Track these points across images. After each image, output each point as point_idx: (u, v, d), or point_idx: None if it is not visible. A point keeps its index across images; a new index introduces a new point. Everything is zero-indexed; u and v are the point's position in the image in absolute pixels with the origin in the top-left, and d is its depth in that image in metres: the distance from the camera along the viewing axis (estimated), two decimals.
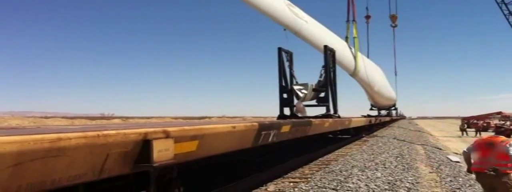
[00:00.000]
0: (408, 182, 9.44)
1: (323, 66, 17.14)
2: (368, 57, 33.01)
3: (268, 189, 8.54)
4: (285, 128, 8.21)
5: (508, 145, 6.31)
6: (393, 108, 50.20)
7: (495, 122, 57.87)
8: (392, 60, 54.83)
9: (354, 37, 28.02)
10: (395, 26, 47.99)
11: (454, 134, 45.26)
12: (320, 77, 17.07)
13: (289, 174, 10.36)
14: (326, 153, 15.34)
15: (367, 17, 40.04)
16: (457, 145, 29.14)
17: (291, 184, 9.02)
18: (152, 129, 3.83)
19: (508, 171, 6.24)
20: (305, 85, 16.73)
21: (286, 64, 16.94)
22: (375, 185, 8.88)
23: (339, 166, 11.66)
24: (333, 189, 8.38)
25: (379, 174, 10.30)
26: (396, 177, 10.01)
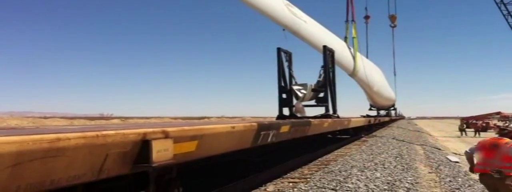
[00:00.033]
0: (408, 182, 9.44)
1: (322, 66, 17.15)
2: (367, 57, 33.06)
3: (268, 189, 8.53)
4: (284, 128, 8.22)
5: None
6: (392, 108, 50.25)
7: (494, 122, 58.00)
8: (391, 60, 54.97)
9: (353, 37, 28.05)
10: (394, 26, 48.06)
11: (453, 134, 45.28)
12: (319, 77, 17.08)
13: (288, 174, 10.36)
14: (325, 153, 15.34)
15: (366, 17, 40.09)
16: (456, 145, 29.15)
17: (291, 184, 9.02)
18: (151, 129, 3.83)
19: None
20: (304, 85, 16.73)
21: (285, 64, 16.94)
22: (375, 185, 8.89)
23: (338, 166, 11.66)
24: (332, 189, 8.38)
25: (378, 174, 10.31)
26: (396, 177, 10.02)
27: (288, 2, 17.48)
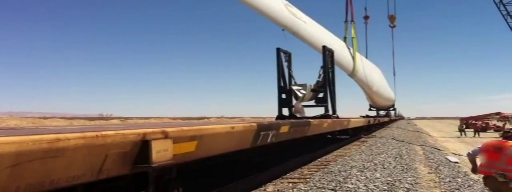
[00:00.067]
0: (407, 183, 9.44)
1: (322, 67, 17.17)
2: (366, 57, 33.08)
3: (267, 190, 8.53)
4: (284, 129, 8.21)
5: None
6: (391, 108, 50.27)
7: (493, 122, 58.00)
8: (390, 60, 54.87)
9: (353, 38, 28.09)
10: (394, 26, 48.07)
11: (453, 134, 45.30)
12: (319, 77, 17.09)
13: (288, 174, 10.36)
14: (325, 154, 15.33)
15: (366, 17, 40.10)
16: (455, 145, 29.17)
17: (290, 184, 9.01)
18: (150, 130, 3.82)
19: None
20: (303, 86, 16.75)
21: (285, 64, 16.96)
22: (374, 185, 8.88)
23: (338, 166, 11.65)
24: (332, 189, 8.38)
25: (378, 175, 10.30)
26: (395, 178, 10.01)
27: (287, 2, 17.50)
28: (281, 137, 8.07)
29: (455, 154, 21.21)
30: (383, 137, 27.04)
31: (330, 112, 16.88)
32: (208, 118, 47.34)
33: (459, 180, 10.34)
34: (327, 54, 17.40)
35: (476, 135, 41.32)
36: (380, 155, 15.30)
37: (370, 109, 44.49)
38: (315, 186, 8.66)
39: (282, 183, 9.22)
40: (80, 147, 3.03)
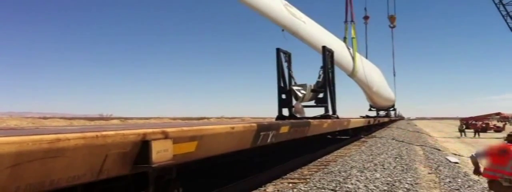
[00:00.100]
0: (407, 183, 9.44)
1: (322, 67, 17.17)
2: (366, 57, 33.09)
3: (267, 190, 8.53)
4: (284, 129, 8.21)
5: None
6: (391, 109, 50.28)
7: (494, 123, 58.01)
8: (390, 61, 54.87)
9: (353, 38, 28.08)
10: (394, 26, 48.13)
11: (453, 135, 45.30)
12: (319, 77, 17.10)
13: (288, 175, 10.36)
14: (325, 154, 15.33)
15: (366, 17, 40.14)
16: (455, 146, 29.17)
17: (290, 185, 9.01)
18: (150, 130, 3.83)
19: None
20: (303, 86, 16.76)
21: (285, 64, 16.98)
22: (374, 186, 8.88)
23: (338, 167, 11.66)
24: (332, 190, 8.38)
25: (378, 175, 10.30)
26: (395, 178, 10.02)
27: (286, 2, 17.50)
28: (281, 137, 8.07)
29: (455, 154, 21.22)
30: (383, 137, 27.04)
31: (330, 113, 16.88)
32: (208, 118, 47.35)
33: (459, 180, 10.34)
34: (327, 54, 17.41)
35: (476, 135, 41.30)
36: (380, 155, 15.31)
37: (370, 110, 44.54)
38: (315, 186, 8.66)
39: (282, 183, 9.22)
40: (80, 147, 3.03)
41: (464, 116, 69.57)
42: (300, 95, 16.51)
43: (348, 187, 8.57)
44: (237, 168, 10.51)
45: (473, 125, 49.82)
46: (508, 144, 6.49)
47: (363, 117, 37.98)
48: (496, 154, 6.39)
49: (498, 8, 35.41)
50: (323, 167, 11.85)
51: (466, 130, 44.52)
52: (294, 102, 16.87)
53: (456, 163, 15.10)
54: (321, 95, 16.98)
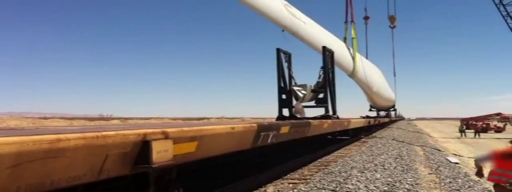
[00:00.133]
0: (408, 184, 9.44)
1: (322, 67, 17.17)
2: (367, 58, 33.09)
3: (267, 190, 8.53)
4: (284, 129, 8.21)
5: None
6: (392, 109, 50.25)
7: (494, 123, 57.98)
8: (391, 61, 54.91)
9: (353, 38, 28.08)
10: (394, 27, 48.13)
11: (453, 135, 45.27)
12: (319, 78, 17.10)
13: (288, 175, 10.36)
14: (325, 154, 15.33)
15: (366, 18, 40.16)
16: (456, 146, 29.17)
17: (290, 185, 9.01)
18: (151, 130, 3.83)
19: None
20: (304, 86, 16.76)
21: (285, 65, 16.98)
22: (375, 186, 8.88)
23: (338, 167, 11.65)
24: (332, 190, 8.37)
25: (378, 175, 10.31)
26: (396, 178, 10.01)
27: (286, 2, 17.50)
28: (281, 137, 8.07)
29: (456, 155, 21.21)
30: (384, 137, 27.04)
31: (330, 113, 16.88)
32: (208, 118, 47.36)
33: (460, 180, 10.34)
34: (327, 54, 17.41)
35: (476, 136, 41.28)
36: (381, 155, 15.30)
37: (370, 110, 44.54)
38: (315, 186, 8.66)
39: (282, 183, 9.22)
40: (81, 147, 3.03)
41: (464, 116, 69.56)
42: (301, 95, 16.52)
43: (348, 188, 8.57)
44: (237, 168, 10.50)
45: (473, 125, 49.77)
46: None
47: (364, 117, 37.97)
48: (501, 158, 6.32)
49: (498, 9, 35.43)
50: (324, 167, 11.85)
51: (466, 131, 44.48)
52: (294, 102, 16.87)
53: (457, 163, 15.10)
54: (321, 96, 16.98)
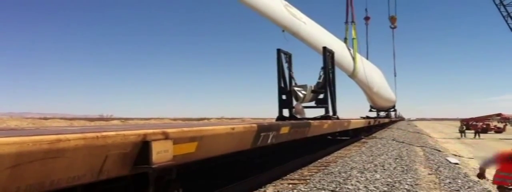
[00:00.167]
0: (407, 184, 9.44)
1: (322, 68, 17.17)
2: (367, 58, 33.10)
3: (267, 191, 8.53)
4: (284, 130, 8.22)
5: None
6: (392, 109, 50.25)
7: (494, 123, 57.96)
8: (391, 61, 54.94)
9: (353, 38, 28.06)
10: (395, 27, 48.20)
11: (453, 135, 45.26)
12: (319, 78, 17.09)
13: (288, 175, 10.36)
14: (325, 155, 15.34)
15: (366, 18, 40.22)
16: (456, 146, 29.17)
17: (290, 185, 9.02)
18: (151, 131, 3.83)
19: None
20: (304, 87, 16.75)
21: (285, 65, 16.97)
22: (374, 186, 8.89)
23: (338, 167, 11.66)
24: (332, 191, 8.38)
25: (378, 176, 10.31)
26: (395, 179, 10.02)
27: (287, 3, 17.50)
28: (281, 138, 8.08)
29: (455, 155, 21.22)
30: (384, 138, 27.05)
31: (331, 113, 16.88)
32: (208, 119, 47.34)
33: (459, 181, 10.34)
34: (328, 55, 17.41)
35: (476, 136, 41.28)
36: (381, 156, 15.31)
37: (370, 110, 44.55)
38: (315, 187, 8.66)
39: (282, 184, 9.23)
40: (81, 148, 3.03)
41: (464, 117, 69.60)
42: (301, 95, 16.51)
43: (348, 188, 8.57)
44: (237, 168, 10.51)
45: (473, 126, 49.76)
46: None
47: (364, 118, 37.98)
48: (506, 160, 6.33)
49: (499, 9, 35.46)
50: (323, 167, 11.86)
51: (467, 131, 44.48)
52: (294, 102, 16.87)
53: (456, 164, 15.10)
54: (321, 96, 16.97)
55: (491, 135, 46.42)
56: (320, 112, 16.91)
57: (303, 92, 16.57)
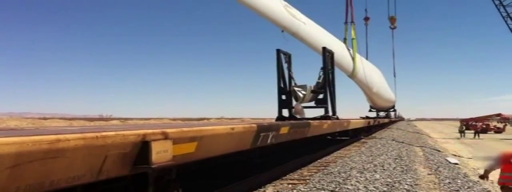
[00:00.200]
0: (407, 184, 9.45)
1: (322, 68, 17.17)
2: (367, 58, 33.10)
3: (267, 191, 8.54)
4: (284, 130, 8.22)
5: None
6: (391, 109, 50.25)
7: (494, 124, 57.99)
8: (391, 62, 54.84)
9: (353, 39, 28.05)
10: (394, 27, 48.16)
11: (453, 136, 45.29)
12: (319, 78, 17.10)
13: (287, 175, 10.36)
14: (324, 155, 15.34)
15: (366, 19, 40.20)
16: (455, 147, 29.18)
17: (290, 185, 9.02)
18: (150, 131, 3.83)
19: None
20: (303, 87, 16.76)
21: (285, 65, 16.98)
22: (374, 187, 8.89)
23: (338, 167, 11.66)
24: (331, 191, 8.38)
25: (377, 176, 10.31)
26: (395, 179, 10.02)
27: (286, 3, 17.51)
28: (281, 138, 8.08)
29: (455, 155, 21.23)
30: (383, 138, 27.05)
31: (330, 113, 16.88)
32: (208, 119, 47.32)
33: (459, 181, 10.34)
34: (327, 55, 17.42)
35: (476, 136, 41.30)
36: (380, 156, 15.31)
37: (370, 110, 44.55)
38: (315, 187, 8.66)
39: (281, 184, 9.23)
40: (80, 148, 3.03)
41: (464, 117, 69.63)
42: (301, 95, 16.52)
43: (347, 188, 8.57)
44: (237, 168, 10.51)
45: (473, 126, 49.76)
46: None
47: (363, 118, 37.98)
48: (508, 162, 6.37)
49: (498, 9, 35.49)
50: (323, 168, 11.86)
51: (466, 131, 44.50)
52: (294, 103, 16.87)
53: (456, 164, 15.11)
54: (321, 96, 16.98)
55: (490, 135, 46.45)
56: (320, 112, 16.93)
57: (303, 92, 16.57)
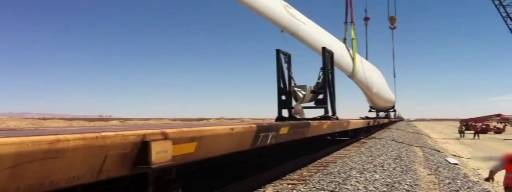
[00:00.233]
0: (407, 184, 9.45)
1: (322, 68, 17.17)
2: (367, 59, 33.08)
3: (266, 191, 8.53)
4: (284, 130, 8.22)
5: None
6: (391, 110, 50.23)
7: (494, 124, 57.97)
8: (391, 62, 54.79)
9: (353, 39, 28.03)
10: (394, 28, 48.11)
11: (453, 136, 45.28)
12: (319, 79, 17.09)
13: (287, 176, 10.36)
14: (324, 155, 15.34)
15: (366, 19, 40.19)
16: (455, 147, 29.18)
17: (290, 186, 9.02)
18: (150, 131, 3.83)
19: None
20: (303, 87, 16.75)
21: (285, 66, 16.96)
22: (374, 187, 8.89)
23: (338, 168, 11.66)
24: (331, 191, 8.38)
25: (377, 176, 10.31)
26: (395, 179, 10.02)
27: (286, 3, 17.50)
28: (280, 138, 8.08)
29: (455, 155, 21.23)
30: (383, 138, 27.05)
31: (330, 114, 16.88)
32: (207, 119, 47.35)
33: (459, 181, 10.35)
34: (327, 55, 17.41)
35: (476, 136, 41.29)
36: (380, 156, 15.31)
37: (370, 111, 44.52)
38: (315, 187, 8.66)
39: (281, 184, 9.23)
40: (80, 148, 3.04)
41: (464, 117, 69.59)
42: (300, 96, 16.51)
43: (347, 188, 8.57)
44: (236, 169, 10.52)
45: (473, 126, 49.72)
46: None
47: (363, 118, 37.98)
48: (510, 162, 6.42)
49: (498, 10, 35.50)
50: (323, 168, 11.86)
51: (466, 132, 44.48)
52: (294, 103, 16.86)
53: (456, 164, 15.11)
54: (321, 96, 16.97)
55: (490, 135, 46.45)
56: (320, 112, 16.92)
57: (303, 92, 16.56)
